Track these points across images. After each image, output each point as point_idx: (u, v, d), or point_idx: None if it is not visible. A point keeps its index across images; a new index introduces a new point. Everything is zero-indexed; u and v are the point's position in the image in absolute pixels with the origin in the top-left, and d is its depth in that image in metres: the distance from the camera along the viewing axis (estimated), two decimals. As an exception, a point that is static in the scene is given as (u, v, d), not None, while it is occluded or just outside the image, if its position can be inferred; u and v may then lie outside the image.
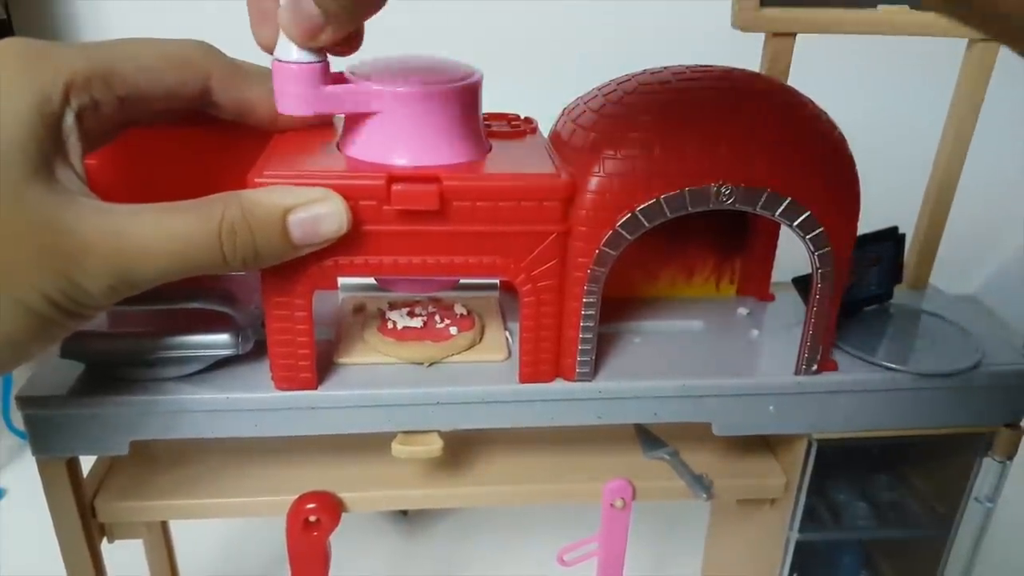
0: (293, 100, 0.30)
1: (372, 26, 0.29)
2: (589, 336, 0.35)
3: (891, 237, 0.43)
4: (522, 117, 0.39)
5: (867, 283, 0.43)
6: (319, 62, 0.30)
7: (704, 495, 0.41)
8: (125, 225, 0.27)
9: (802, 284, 0.44)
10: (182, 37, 0.32)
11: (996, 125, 0.43)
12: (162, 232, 0.27)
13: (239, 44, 0.33)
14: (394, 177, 0.31)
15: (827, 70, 0.50)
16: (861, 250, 0.40)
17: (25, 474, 0.70)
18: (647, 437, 0.43)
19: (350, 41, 0.30)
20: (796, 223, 0.34)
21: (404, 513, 0.66)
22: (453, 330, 0.38)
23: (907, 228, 0.47)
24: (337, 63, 0.31)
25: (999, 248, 0.88)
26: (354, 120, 0.33)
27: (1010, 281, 0.87)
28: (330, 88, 0.30)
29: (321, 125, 0.36)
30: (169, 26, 0.32)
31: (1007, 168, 0.79)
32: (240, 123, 0.35)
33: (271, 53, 0.30)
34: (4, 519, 0.65)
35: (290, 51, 0.29)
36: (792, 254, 0.43)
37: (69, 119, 0.28)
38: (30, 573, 0.55)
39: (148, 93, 0.31)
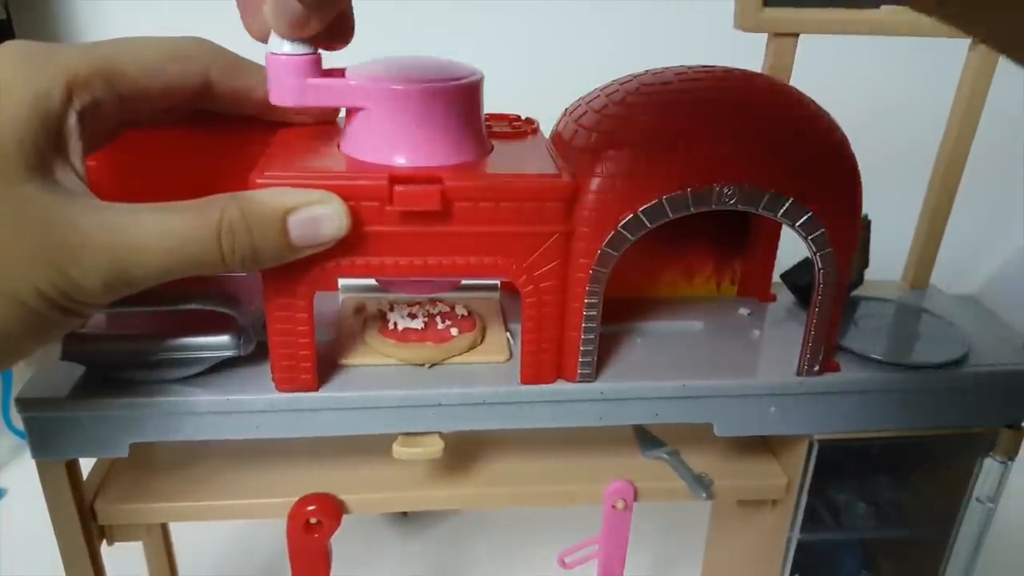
0: (282, 91, 0.31)
1: (374, 27, 0.29)
2: (591, 337, 0.35)
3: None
4: (523, 118, 0.39)
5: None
6: (309, 54, 0.30)
7: (704, 494, 0.41)
8: (123, 223, 0.27)
9: (791, 279, 0.44)
10: (181, 35, 0.32)
11: (996, 125, 0.43)
12: (160, 230, 0.27)
13: (238, 43, 0.33)
14: (396, 178, 0.31)
15: (829, 70, 0.50)
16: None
17: (25, 474, 0.70)
18: (645, 437, 0.43)
19: (341, 33, 0.30)
20: (798, 223, 0.34)
21: (404, 514, 0.66)
22: (454, 331, 0.38)
23: (908, 229, 0.47)
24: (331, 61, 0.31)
25: (999, 248, 0.88)
26: (355, 120, 0.33)
27: (1010, 281, 0.87)
28: (319, 80, 0.31)
29: (323, 125, 0.36)
30: (169, 26, 0.32)
31: (1007, 168, 0.79)
32: (240, 126, 0.35)
33: (265, 42, 0.30)
34: (4, 519, 0.65)
35: (281, 44, 0.29)
36: (793, 254, 0.43)
37: (71, 118, 0.28)
38: (30, 573, 0.55)
39: (149, 91, 0.31)
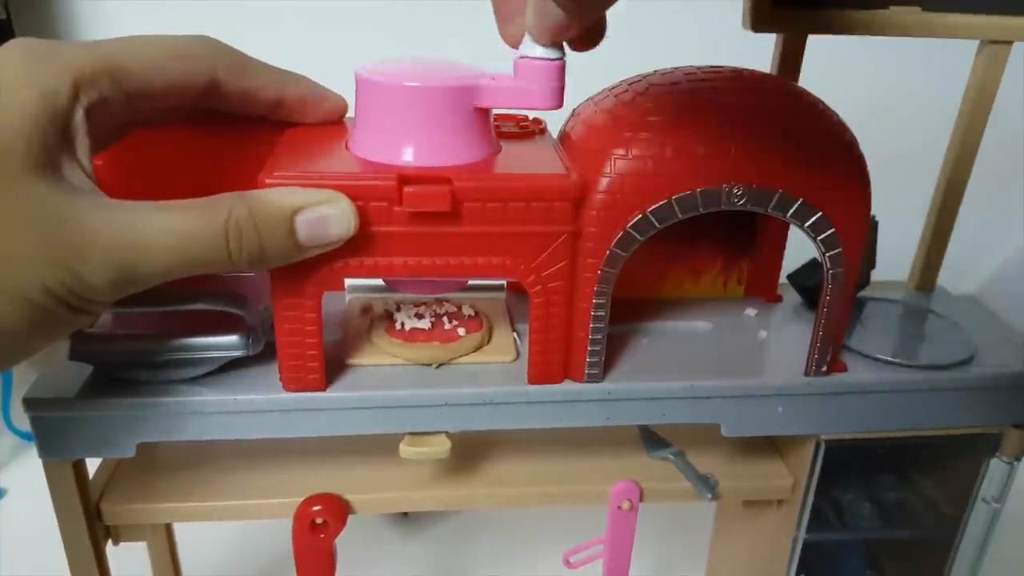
0: (541, 95, 0.31)
1: (384, 28, 0.29)
2: (599, 337, 0.35)
3: None
4: (531, 118, 0.39)
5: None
6: (559, 59, 0.30)
7: (709, 495, 0.40)
8: (130, 221, 0.27)
9: (797, 280, 0.44)
10: (186, 34, 0.32)
11: (996, 125, 0.43)
12: (167, 228, 0.27)
13: (239, 43, 0.33)
14: (405, 178, 0.31)
15: (838, 71, 0.50)
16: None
17: (25, 474, 0.70)
18: (651, 437, 0.43)
19: (592, 36, 0.30)
20: (807, 224, 0.34)
21: (405, 515, 0.65)
22: (461, 331, 0.38)
23: (915, 229, 0.47)
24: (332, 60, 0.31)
25: (999, 248, 0.88)
26: (364, 119, 0.33)
27: (1010, 282, 0.87)
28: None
29: (331, 124, 0.36)
30: (169, 26, 0.32)
31: (1008, 168, 0.79)
32: (247, 125, 0.35)
33: (516, 49, 0.30)
34: (4, 519, 0.65)
35: (533, 48, 0.30)
36: (800, 254, 0.43)
37: (78, 116, 0.28)
38: (30, 573, 0.55)
39: (156, 89, 0.31)
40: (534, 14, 0.28)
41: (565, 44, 0.30)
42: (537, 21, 0.28)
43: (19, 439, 0.73)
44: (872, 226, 0.42)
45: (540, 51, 0.30)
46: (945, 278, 0.48)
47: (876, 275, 0.44)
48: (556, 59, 0.30)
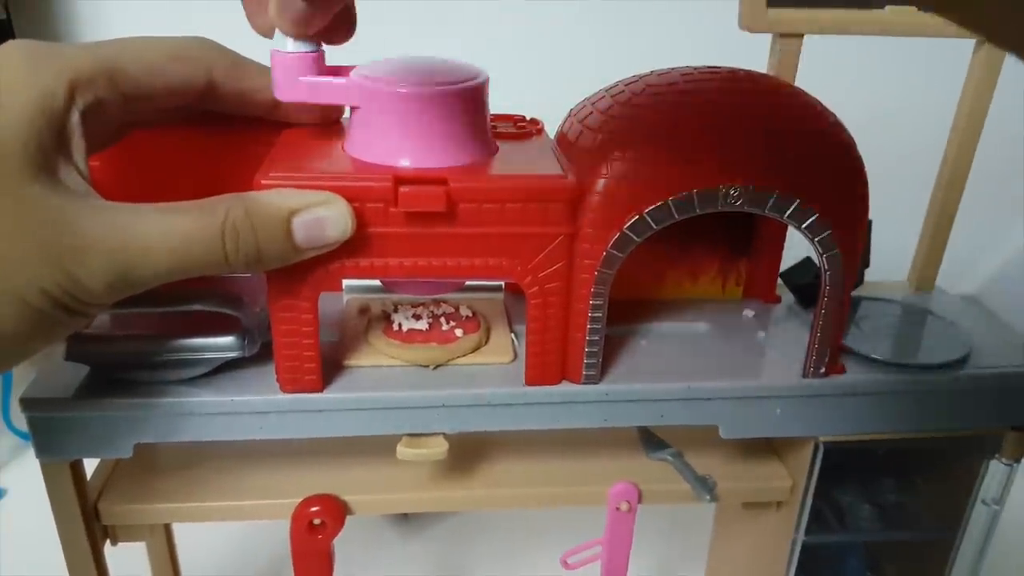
0: (286, 87, 0.31)
1: (378, 27, 0.29)
2: (596, 339, 0.35)
3: None
4: (528, 118, 0.39)
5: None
6: (313, 51, 0.30)
7: (708, 496, 0.40)
8: (127, 223, 0.27)
9: (790, 279, 0.44)
10: (183, 35, 0.32)
11: (995, 124, 0.43)
12: (164, 230, 0.27)
13: (241, 44, 0.33)
14: (401, 179, 0.31)
15: (834, 71, 0.50)
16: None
17: (25, 474, 0.70)
18: (649, 438, 0.43)
19: (343, 29, 0.30)
20: (804, 225, 0.34)
21: (404, 515, 0.65)
22: (458, 332, 0.38)
23: (914, 230, 0.47)
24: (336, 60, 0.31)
25: (999, 248, 0.88)
26: (360, 121, 0.33)
27: (1010, 282, 0.87)
28: (322, 78, 0.31)
29: (328, 126, 0.36)
30: (168, 27, 0.32)
31: (1007, 168, 0.79)
32: (245, 126, 0.35)
33: (270, 39, 0.30)
34: (4, 519, 0.65)
35: (286, 41, 0.30)
36: (799, 255, 0.42)
37: (74, 117, 0.28)
38: (30, 573, 0.55)
39: (153, 90, 0.31)
40: (276, 4, 0.28)
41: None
42: (279, 11, 0.28)
43: (19, 439, 0.73)
44: (867, 225, 0.42)
45: (291, 44, 0.30)
46: (944, 278, 0.47)
47: (875, 275, 0.44)
48: (308, 52, 0.30)
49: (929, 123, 0.49)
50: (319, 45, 0.31)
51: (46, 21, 0.76)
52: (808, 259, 0.42)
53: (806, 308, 0.43)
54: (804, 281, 0.43)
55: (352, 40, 0.31)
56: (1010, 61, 0.41)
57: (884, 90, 0.74)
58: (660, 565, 0.62)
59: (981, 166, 0.44)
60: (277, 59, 0.31)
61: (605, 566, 0.43)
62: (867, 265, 0.44)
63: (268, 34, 0.30)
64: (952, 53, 0.41)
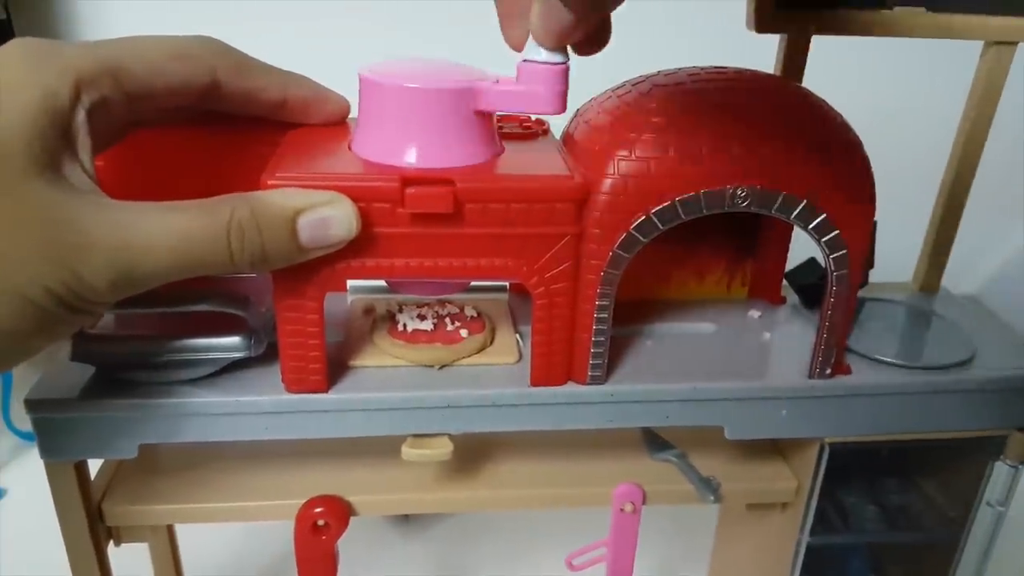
0: (544, 100, 0.30)
1: (387, 27, 0.29)
2: (602, 339, 0.35)
3: None
4: (534, 118, 0.39)
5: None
6: (563, 63, 0.30)
7: (712, 497, 0.40)
8: (131, 221, 0.27)
9: (794, 279, 0.44)
10: (188, 34, 0.32)
11: (997, 125, 0.43)
12: (169, 229, 0.27)
13: (241, 43, 0.33)
14: (408, 179, 0.30)
15: (842, 71, 0.50)
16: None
17: (25, 474, 0.70)
18: (653, 439, 0.43)
19: (597, 39, 0.30)
20: (811, 226, 0.34)
21: (406, 516, 0.65)
22: (464, 332, 0.38)
23: (919, 230, 0.47)
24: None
25: (999, 248, 0.88)
26: (366, 121, 0.33)
27: (1010, 282, 0.87)
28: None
29: (334, 125, 0.36)
30: (171, 26, 0.32)
31: (1008, 168, 0.79)
32: (249, 126, 0.35)
33: (519, 52, 0.30)
34: (4, 519, 0.65)
35: (539, 52, 0.29)
36: (806, 256, 0.42)
37: (80, 116, 0.28)
38: (30, 574, 0.55)
39: (157, 89, 0.31)
40: (539, 15, 0.28)
41: (569, 48, 0.30)
42: (542, 23, 0.28)
43: (19, 439, 0.73)
44: (872, 226, 0.42)
45: (544, 55, 0.29)
46: (945, 278, 0.47)
47: (880, 276, 0.44)
48: (560, 63, 0.30)
49: (935, 124, 0.49)
50: (568, 58, 0.30)
51: (46, 21, 0.76)
52: (812, 259, 0.42)
53: (809, 308, 0.43)
54: (808, 281, 0.43)
55: (355, 40, 0.31)
56: (1017, 62, 0.41)
57: (891, 91, 0.74)
58: (663, 566, 0.62)
59: (982, 166, 0.44)
60: (529, 70, 0.30)
61: (610, 567, 0.43)
62: (871, 266, 0.43)
63: (519, 48, 0.30)
64: (960, 54, 0.41)
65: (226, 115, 0.34)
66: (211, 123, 0.35)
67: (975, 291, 0.81)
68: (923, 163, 0.50)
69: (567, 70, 0.30)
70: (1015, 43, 0.41)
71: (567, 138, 0.37)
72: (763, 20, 0.38)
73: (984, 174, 0.44)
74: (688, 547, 0.62)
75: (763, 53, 0.41)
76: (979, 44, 0.41)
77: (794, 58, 0.40)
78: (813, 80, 0.40)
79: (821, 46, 0.40)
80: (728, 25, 0.40)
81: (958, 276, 0.48)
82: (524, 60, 0.30)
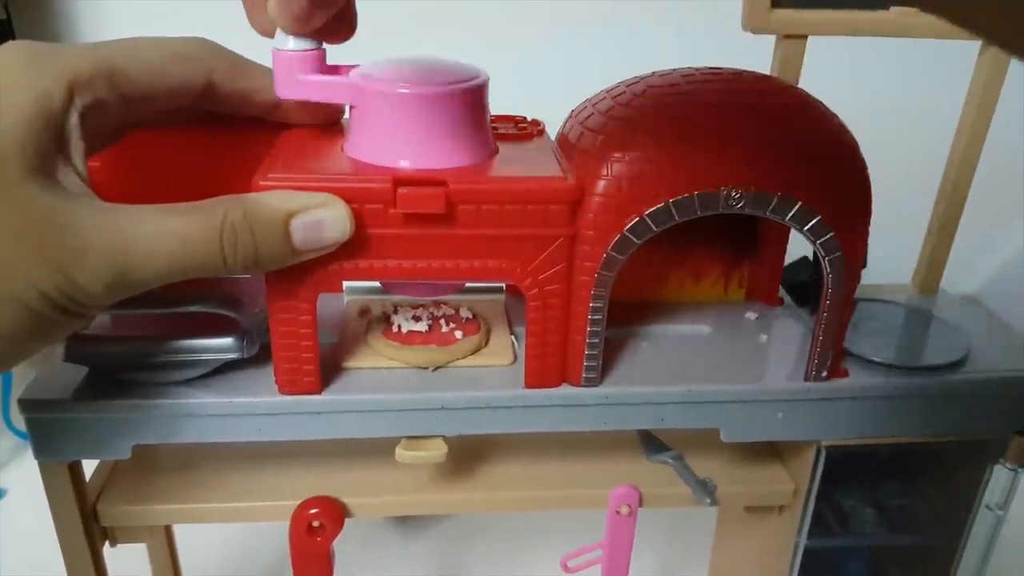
0: (286, 85, 0.31)
1: (378, 27, 0.29)
2: (596, 341, 0.35)
3: None
4: (529, 119, 0.39)
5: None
6: (313, 50, 0.30)
7: (708, 500, 0.40)
8: (125, 224, 0.27)
9: (787, 277, 0.44)
10: (183, 36, 0.32)
11: (996, 125, 0.43)
12: (162, 232, 0.27)
13: (238, 44, 0.33)
14: (400, 180, 0.30)
15: (838, 72, 0.49)
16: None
17: (25, 474, 0.70)
18: (650, 440, 0.43)
19: (344, 27, 0.30)
20: (807, 227, 0.34)
21: (403, 517, 0.65)
22: (458, 334, 0.38)
23: (918, 232, 0.46)
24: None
25: (999, 248, 0.88)
26: (359, 122, 0.33)
27: (1010, 282, 0.87)
28: (323, 76, 0.31)
29: (328, 127, 0.36)
30: (168, 27, 0.32)
31: (1008, 168, 0.78)
32: (244, 127, 0.35)
33: (270, 38, 0.30)
34: (4, 519, 0.65)
35: (286, 39, 0.30)
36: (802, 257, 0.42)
37: (73, 118, 0.28)
38: (30, 574, 0.55)
39: (152, 91, 0.31)
40: (276, 2, 0.28)
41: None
42: (279, 8, 0.28)
43: (19, 439, 0.73)
44: None
45: (292, 42, 0.30)
46: (944, 279, 0.47)
47: (879, 278, 0.44)
48: (308, 50, 0.30)
49: (933, 125, 0.49)
50: (320, 44, 0.31)
51: (46, 21, 0.76)
52: (804, 258, 0.42)
53: (801, 306, 0.43)
54: (801, 279, 0.43)
55: (353, 39, 0.31)
56: (1015, 63, 0.41)
57: (888, 92, 0.74)
58: (661, 568, 0.62)
59: (981, 166, 0.44)
60: (278, 57, 0.30)
61: (605, 570, 0.43)
62: (864, 266, 0.43)
63: (268, 33, 0.30)
64: (957, 55, 0.41)
65: (222, 116, 0.34)
66: (206, 124, 0.35)
67: (974, 292, 0.81)
68: (922, 164, 0.49)
69: (316, 56, 0.30)
70: (1014, 43, 0.40)
71: (561, 139, 0.37)
72: (759, 20, 0.38)
73: (983, 175, 0.44)
74: (686, 549, 0.62)
75: (759, 54, 0.40)
76: (976, 44, 0.41)
77: (790, 59, 0.40)
78: (809, 81, 0.39)
79: (817, 47, 0.40)
80: (723, 25, 0.40)
81: (957, 277, 0.48)
82: (273, 48, 0.30)
